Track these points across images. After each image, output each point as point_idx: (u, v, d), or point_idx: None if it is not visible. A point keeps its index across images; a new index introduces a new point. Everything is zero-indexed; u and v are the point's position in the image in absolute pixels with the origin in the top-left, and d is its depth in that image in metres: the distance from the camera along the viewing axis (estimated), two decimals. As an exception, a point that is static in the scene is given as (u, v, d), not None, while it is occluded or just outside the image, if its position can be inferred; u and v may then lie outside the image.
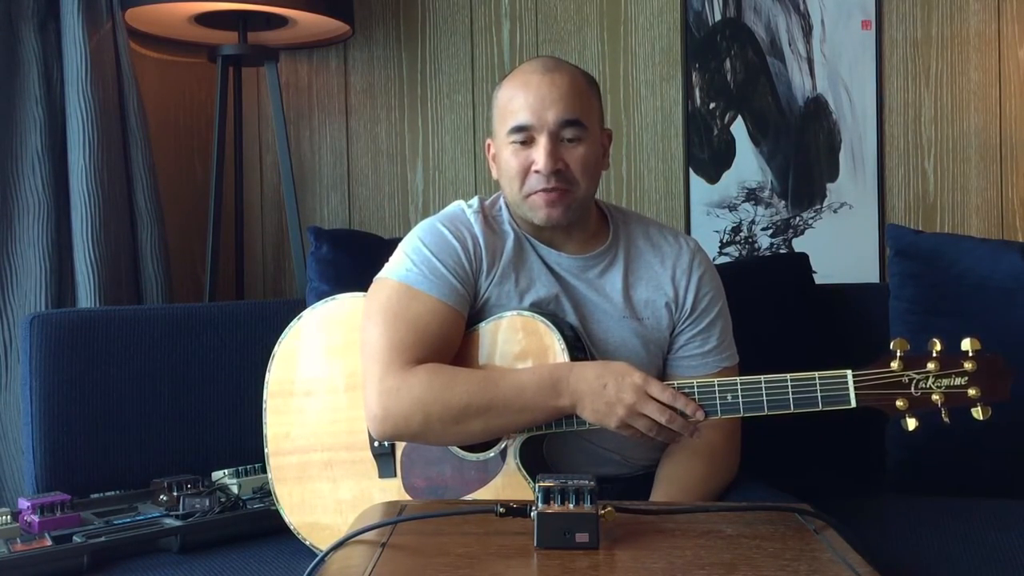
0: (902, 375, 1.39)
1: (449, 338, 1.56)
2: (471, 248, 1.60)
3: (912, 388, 1.39)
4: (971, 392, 1.38)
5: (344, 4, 2.42)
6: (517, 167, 1.58)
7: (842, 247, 2.58)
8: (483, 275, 1.61)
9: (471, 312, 1.61)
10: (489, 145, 1.70)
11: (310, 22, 2.42)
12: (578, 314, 1.62)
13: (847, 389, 1.41)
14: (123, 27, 2.29)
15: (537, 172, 1.56)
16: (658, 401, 1.44)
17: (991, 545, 1.65)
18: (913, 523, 1.76)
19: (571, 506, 1.14)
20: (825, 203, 2.61)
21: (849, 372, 1.41)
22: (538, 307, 1.60)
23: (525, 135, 1.57)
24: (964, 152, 2.57)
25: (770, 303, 2.08)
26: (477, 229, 1.62)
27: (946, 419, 1.39)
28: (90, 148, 2.14)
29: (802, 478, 1.78)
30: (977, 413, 1.38)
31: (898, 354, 1.40)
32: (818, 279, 2.26)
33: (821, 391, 1.42)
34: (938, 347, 1.39)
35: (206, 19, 2.39)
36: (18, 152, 2.13)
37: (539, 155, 1.55)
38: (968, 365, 1.39)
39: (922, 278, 2.01)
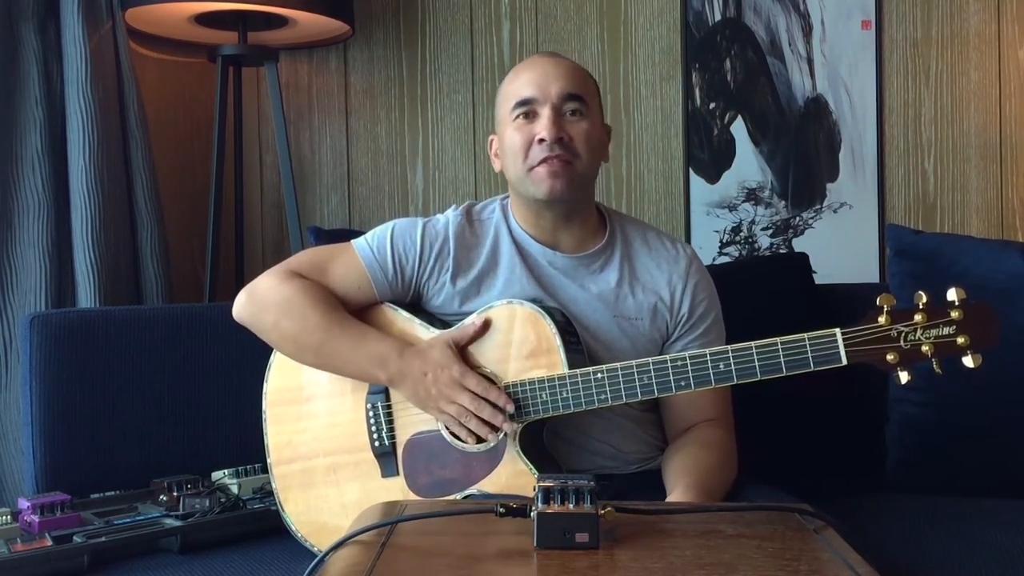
0: (890, 329, 1.39)
1: (345, 293, 1.66)
2: (431, 248, 1.66)
3: (901, 341, 1.39)
4: (960, 340, 1.37)
5: (344, 4, 2.42)
6: (521, 141, 1.62)
7: (842, 247, 2.58)
8: (434, 277, 1.66)
9: (429, 306, 1.69)
10: (492, 141, 1.74)
11: (310, 22, 2.42)
12: None
13: (837, 347, 1.41)
14: (123, 27, 2.29)
15: (541, 142, 1.60)
16: (472, 392, 1.51)
17: (991, 545, 1.64)
18: (913, 523, 1.76)
19: (571, 506, 1.14)
20: (825, 203, 2.61)
21: (838, 330, 1.41)
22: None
23: (529, 108, 1.62)
24: (964, 152, 2.57)
25: (770, 303, 2.08)
26: (452, 231, 1.67)
27: (938, 370, 1.38)
28: (90, 148, 2.14)
29: (802, 478, 1.77)
30: (968, 361, 1.38)
31: (885, 309, 1.39)
32: (818, 279, 2.26)
33: (812, 351, 1.42)
34: (924, 299, 1.39)
35: (206, 19, 2.40)
36: (18, 152, 2.13)
37: (542, 124, 1.60)
38: (955, 314, 1.38)
39: (922, 278, 2.01)
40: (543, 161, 1.60)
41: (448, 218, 1.70)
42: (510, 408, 1.51)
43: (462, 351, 1.56)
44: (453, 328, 1.59)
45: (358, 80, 2.72)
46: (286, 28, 2.47)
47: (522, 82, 1.64)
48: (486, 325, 1.57)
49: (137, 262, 2.30)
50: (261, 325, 1.66)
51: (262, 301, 1.65)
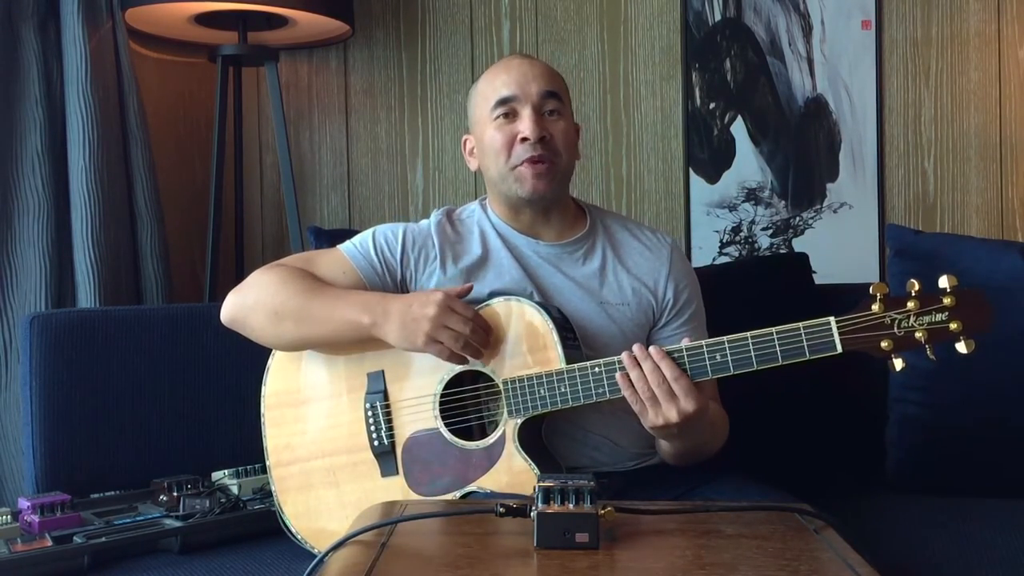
0: (884, 316, 1.39)
1: (332, 282, 1.66)
2: (414, 245, 1.69)
3: (895, 328, 1.39)
4: (953, 326, 1.38)
5: (344, 4, 2.42)
6: (502, 140, 1.65)
7: (842, 247, 2.58)
8: (421, 269, 1.68)
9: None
10: (466, 140, 1.77)
11: (310, 22, 2.43)
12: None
13: (832, 335, 1.41)
14: (123, 27, 2.29)
15: (524, 141, 1.63)
16: (460, 315, 1.50)
17: (991, 545, 1.65)
18: (913, 523, 1.77)
19: (571, 506, 1.14)
20: (825, 203, 2.61)
21: (832, 319, 1.41)
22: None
23: (509, 107, 1.65)
24: (964, 152, 2.57)
25: (770, 303, 2.07)
26: (434, 230, 1.70)
27: (931, 356, 1.39)
28: (90, 148, 2.14)
29: (802, 478, 1.77)
30: (961, 347, 1.38)
31: (878, 296, 1.40)
32: (818, 279, 2.26)
33: (807, 340, 1.42)
34: (917, 286, 1.40)
35: (206, 19, 2.40)
36: (18, 152, 2.13)
37: (525, 124, 1.63)
38: (948, 300, 1.38)
39: (922, 278, 2.00)
40: (527, 161, 1.63)
41: (429, 220, 1.74)
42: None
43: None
44: None
45: (358, 80, 2.72)
46: (286, 28, 2.47)
47: (501, 82, 1.66)
48: (469, 288, 1.59)
49: (137, 262, 2.30)
50: (243, 312, 1.65)
51: (244, 288, 1.66)
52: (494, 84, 1.67)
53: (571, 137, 1.69)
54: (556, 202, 1.70)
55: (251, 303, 1.64)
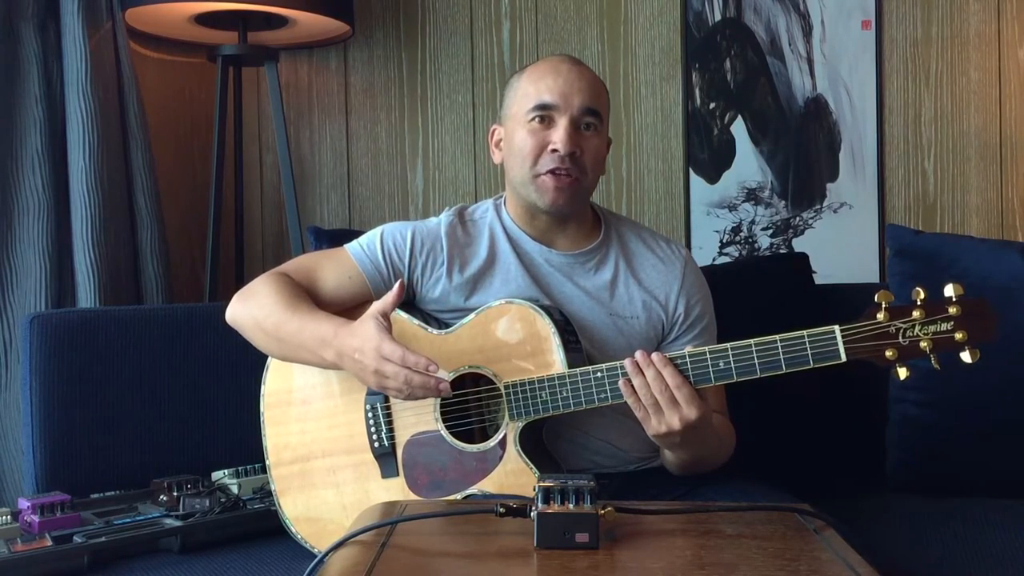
0: (889, 325, 1.39)
1: (338, 287, 1.67)
2: (422, 246, 1.67)
3: (900, 337, 1.39)
4: (958, 336, 1.37)
5: (344, 4, 2.42)
6: (533, 145, 1.62)
7: (842, 247, 2.58)
8: (428, 275, 1.67)
9: (425, 306, 1.69)
10: (494, 131, 1.74)
11: (310, 22, 2.43)
12: None
13: (836, 344, 1.41)
14: (123, 27, 2.29)
15: (554, 151, 1.61)
16: (393, 364, 1.44)
17: (991, 545, 1.65)
18: (913, 523, 1.76)
19: (571, 506, 1.14)
20: (825, 203, 2.61)
21: (837, 327, 1.41)
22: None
23: (547, 114, 1.62)
24: (964, 152, 2.57)
25: (770, 303, 2.08)
26: (444, 230, 1.68)
27: (936, 365, 1.39)
28: (90, 148, 2.14)
29: (802, 478, 1.78)
30: (966, 356, 1.38)
31: (883, 305, 1.39)
32: (818, 279, 2.26)
33: (811, 348, 1.42)
34: (922, 295, 1.39)
35: (206, 19, 2.40)
36: (18, 152, 2.13)
37: (559, 135, 1.60)
38: (953, 310, 1.38)
39: (922, 278, 2.00)
40: (552, 171, 1.61)
41: (440, 219, 1.71)
42: (432, 368, 1.42)
43: (389, 318, 1.49)
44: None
45: (358, 80, 2.72)
46: (286, 28, 2.47)
47: (545, 86, 1.63)
48: (401, 286, 1.51)
49: (137, 262, 2.30)
50: (242, 321, 1.65)
51: (245, 298, 1.66)
52: (538, 85, 1.63)
53: (601, 154, 1.66)
54: (573, 214, 1.68)
55: (249, 320, 1.64)
